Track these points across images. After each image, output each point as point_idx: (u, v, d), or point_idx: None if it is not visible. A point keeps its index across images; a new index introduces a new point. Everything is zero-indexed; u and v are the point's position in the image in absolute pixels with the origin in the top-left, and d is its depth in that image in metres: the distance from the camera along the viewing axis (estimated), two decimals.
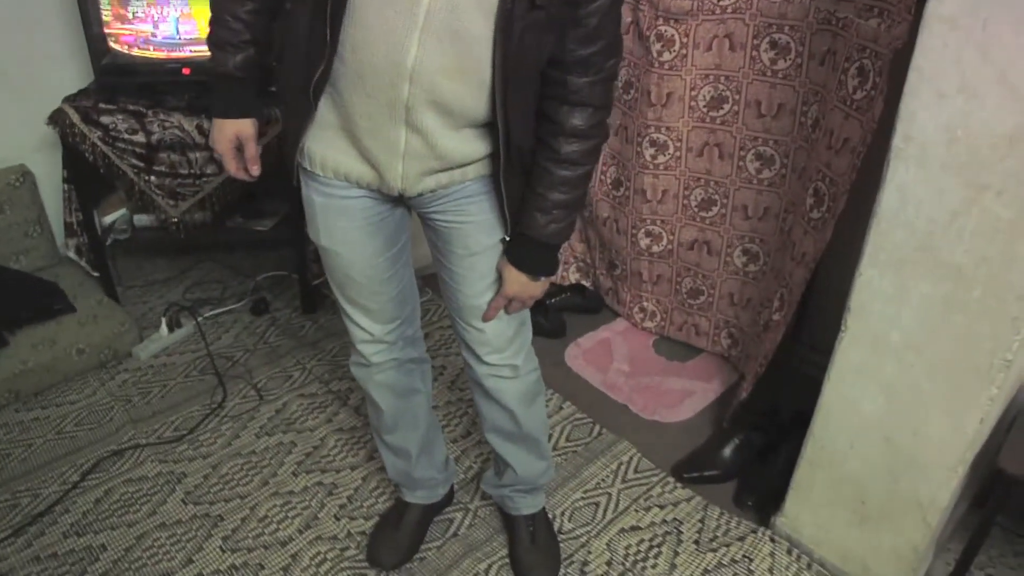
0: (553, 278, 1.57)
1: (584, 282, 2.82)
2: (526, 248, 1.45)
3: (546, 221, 1.41)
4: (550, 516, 1.98)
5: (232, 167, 1.50)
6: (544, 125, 1.36)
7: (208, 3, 1.42)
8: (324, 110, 1.35)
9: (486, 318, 1.53)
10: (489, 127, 1.35)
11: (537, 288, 1.50)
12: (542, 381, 1.73)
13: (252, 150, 1.49)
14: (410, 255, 1.62)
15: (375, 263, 1.52)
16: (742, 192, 2.21)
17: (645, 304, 2.61)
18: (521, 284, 1.47)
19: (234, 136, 1.47)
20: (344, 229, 1.48)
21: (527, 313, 1.61)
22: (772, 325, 2.12)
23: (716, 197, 2.27)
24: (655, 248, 2.46)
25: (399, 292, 1.59)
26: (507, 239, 1.47)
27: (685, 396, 2.39)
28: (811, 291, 2.09)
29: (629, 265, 2.56)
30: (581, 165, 1.38)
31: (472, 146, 1.37)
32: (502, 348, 1.58)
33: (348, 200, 1.44)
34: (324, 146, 1.39)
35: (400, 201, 1.47)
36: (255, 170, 1.51)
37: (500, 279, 1.50)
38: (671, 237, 2.41)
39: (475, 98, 1.29)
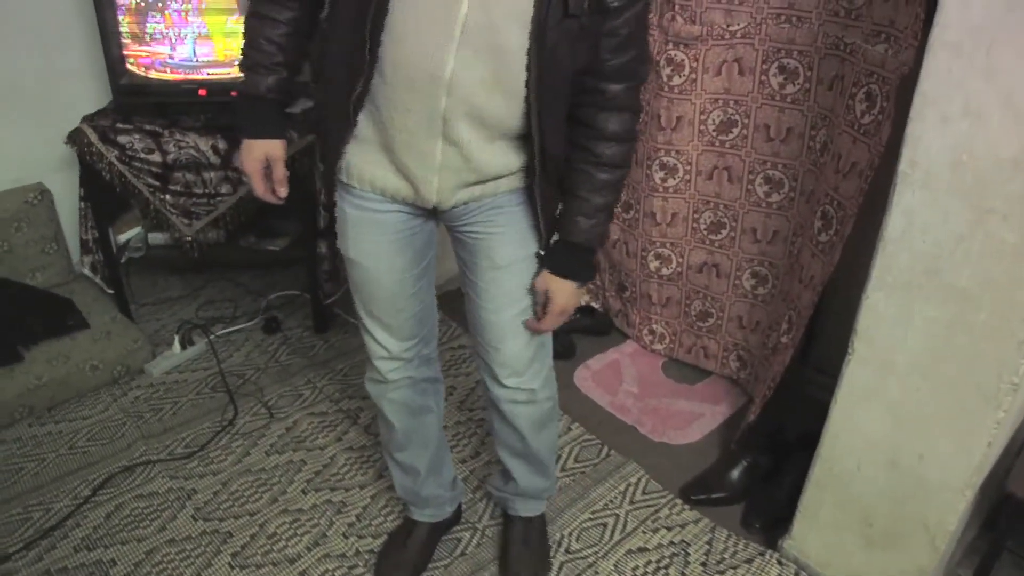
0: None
1: (594, 304, 2.84)
2: (572, 254, 1.47)
3: (589, 225, 1.44)
4: (558, 536, 1.99)
5: (260, 188, 1.52)
6: (581, 131, 1.40)
7: (243, 27, 1.45)
8: (362, 125, 1.38)
9: (531, 328, 1.54)
10: (523, 139, 1.38)
11: (579, 296, 1.53)
12: (558, 408, 1.75)
13: (280, 171, 1.51)
14: (434, 275, 1.64)
15: (401, 279, 1.54)
16: (751, 215, 2.23)
17: (654, 326, 2.62)
18: (568, 293, 1.49)
19: (263, 156, 1.49)
20: (375, 242, 1.50)
21: (548, 337, 1.63)
22: (780, 348, 2.12)
23: (725, 220, 2.28)
24: (664, 271, 2.47)
25: (420, 310, 1.61)
26: (542, 252, 1.49)
27: (693, 418, 2.39)
28: (820, 314, 2.09)
29: (639, 287, 2.57)
30: (620, 168, 1.42)
31: (507, 158, 1.40)
32: (520, 371, 1.60)
33: (381, 214, 1.47)
34: (362, 160, 1.42)
35: (432, 215, 1.49)
36: (283, 192, 1.53)
37: (534, 296, 1.52)
38: (680, 260, 2.42)
39: (510, 109, 1.32)
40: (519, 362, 1.59)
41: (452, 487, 1.95)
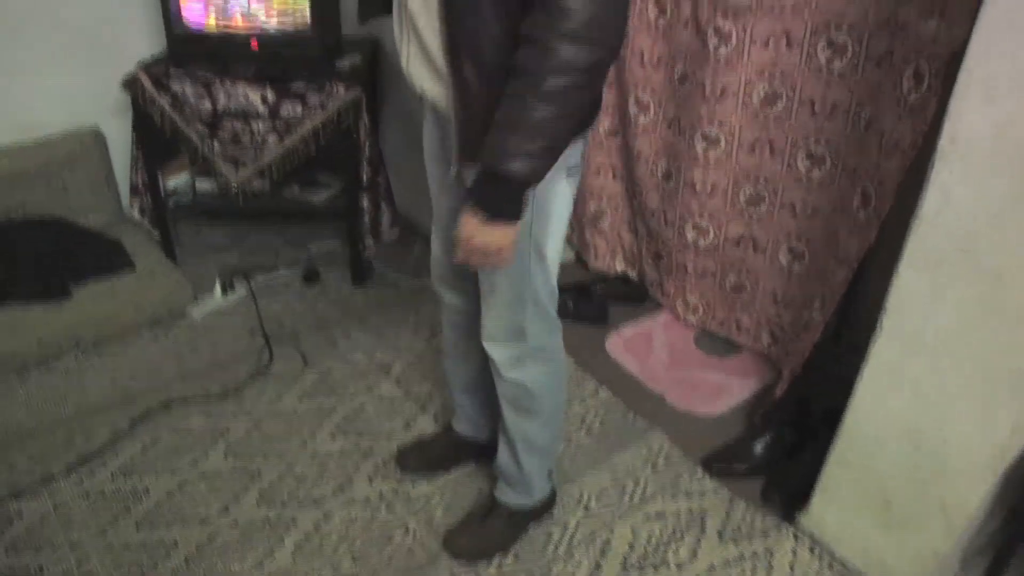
0: (513, 228, 1.33)
1: (630, 272, 2.84)
2: (478, 179, 1.31)
3: (491, 142, 1.26)
4: (577, 494, 2.03)
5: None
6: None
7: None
8: None
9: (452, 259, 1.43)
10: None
11: (488, 236, 1.32)
12: (538, 401, 1.71)
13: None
14: None
15: None
16: (791, 190, 2.21)
17: (689, 297, 2.62)
18: (469, 224, 1.32)
19: None
20: None
21: (526, 317, 1.57)
22: (812, 324, 2.12)
23: (765, 194, 2.27)
24: (701, 242, 2.46)
25: None
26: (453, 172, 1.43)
27: (722, 390, 2.40)
28: (854, 293, 2.08)
29: (675, 257, 2.57)
30: (529, 74, 1.20)
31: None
32: (491, 334, 1.62)
33: None
34: None
35: None
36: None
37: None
38: (718, 232, 2.42)
39: None
40: (487, 321, 1.59)
41: (485, 412, 1.98)
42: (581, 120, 1.39)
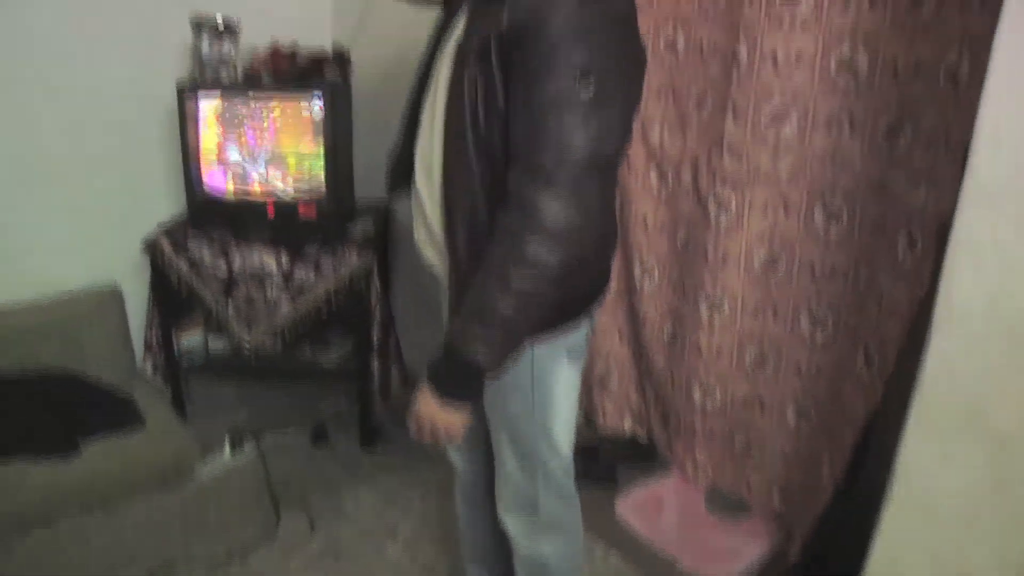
0: (464, 411, 1.33)
1: (639, 432, 2.84)
2: (436, 357, 1.32)
3: (454, 324, 1.29)
4: None
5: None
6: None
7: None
8: None
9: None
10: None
11: (438, 414, 1.32)
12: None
13: None
14: None
15: None
16: (796, 352, 2.24)
17: (698, 458, 2.61)
18: (420, 399, 1.34)
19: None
20: None
21: (535, 489, 1.56)
22: (822, 485, 2.10)
23: (770, 356, 2.30)
24: (709, 403, 2.48)
25: None
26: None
27: (735, 553, 2.35)
28: (864, 452, 2.08)
29: (683, 418, 2.58)
30: (497, 267, 1.23)
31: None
32: (501, 498, 1.62)
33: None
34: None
35: None
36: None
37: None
38: (725, 393, 2.43)
39: (434, 142, 1.36)
40: (501, 491, 1.59)
41: None
42: (584, 298, 1.45)
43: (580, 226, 1.21)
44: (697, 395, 2.49)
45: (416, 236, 1.51)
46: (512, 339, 1.28)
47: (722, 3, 2.14)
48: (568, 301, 1.39)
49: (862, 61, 1.94)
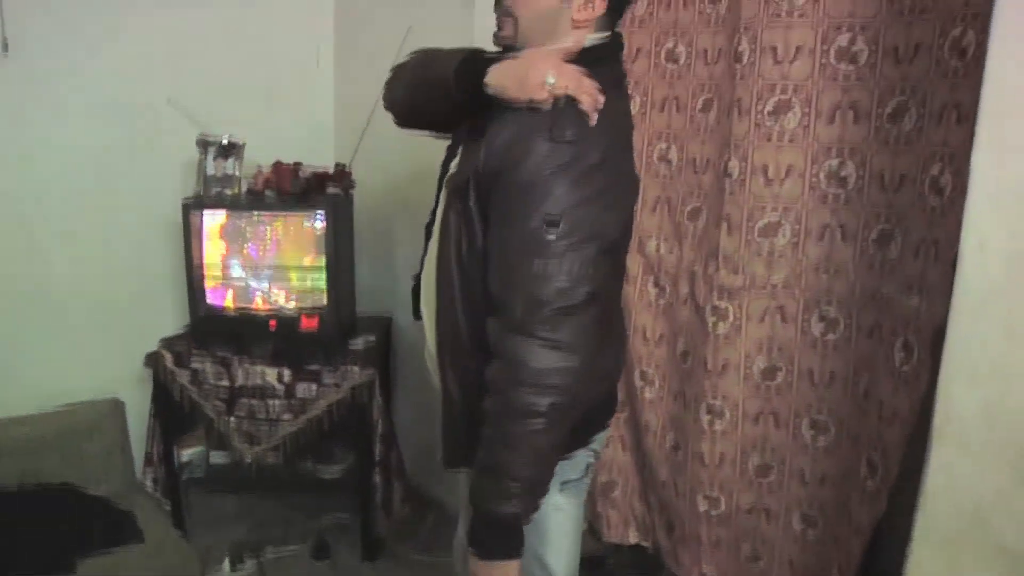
0: (512, 563, 1.32)
1: (644, 542, 2.79)
2: (472, 522, 1.33)
3: (473, 486, 1.31)
4: None
5: None
6: None
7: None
8: None
9: None
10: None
11: (489, 574, 1.31)
12: None
13: None
14: None
15: None
16: (798, 459, 2.23)
17: (704, 568, 2.56)
18: (471, 565, 1.33)
19: None
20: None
21: None
22: None
23: (773, 463, 2.29)
24: (713, 512, 2.45)
25: None
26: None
27: None
28: (873, 560, 2.04)
29: (688, 528, 2.54)
30: (493, 422, 1.25)
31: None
32: None
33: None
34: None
35: None
36: None
37: None
38: (729, 502, 2.41)
39: (428, 281, 1.39)
40: None
41: None
42: (576, 431, 1.41)
43: (563, 367, 1.22)
44: (702, 504, 2.46)
45: (425, 357, 1.54)
46: (529, 485, 1.29)
47: (712, 120, 2.22)
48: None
49: (850, 172, 2.01)
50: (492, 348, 1.26)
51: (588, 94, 1.25)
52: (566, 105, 1.25)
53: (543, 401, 1.21)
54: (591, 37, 1.37)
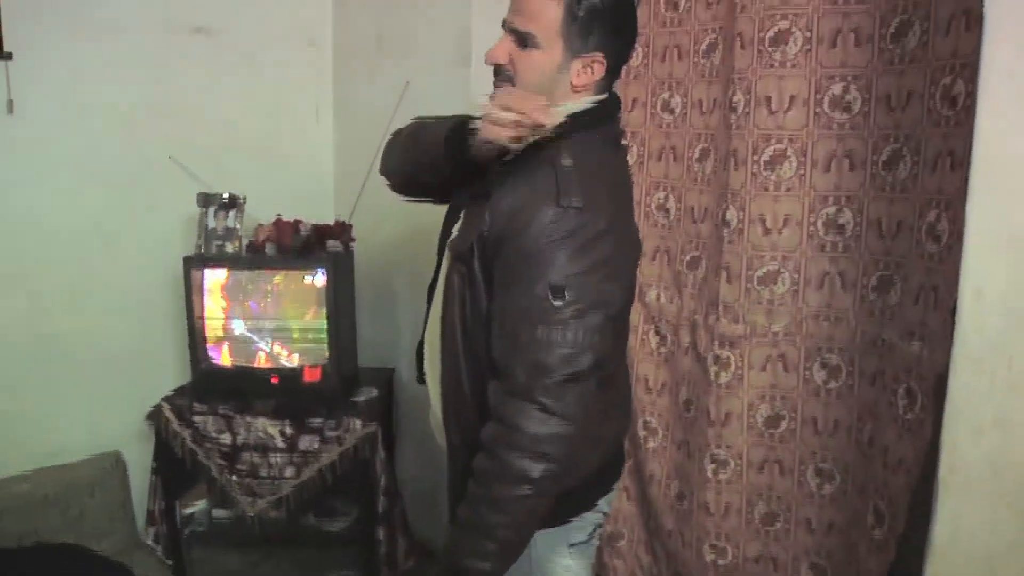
0: None
1: None
2: (440, 568, 1.33)
3: (449, 537, 1.31)
4: None
5: None
6: None
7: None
8: None
9: None
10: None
11: None
12: None
13: None
14: None
15: None
16: (805, 507, 2.22)
17: None
18: None
19: None
20: None
21: None
22: None
23: (779, 512, 2.27)
24: (720, 562, 2.42)
25: None
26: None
27: None
28: None
29: None
30: (482, 482, 1.25)
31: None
32: None
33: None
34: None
35: None
36: None
37: None
38: (736, 552, 2.38)
39: (432, 346, 1.39)
40: None
41: None
42: (584, 494, 1.44)
43: (560, 436, 1.22)
44: (708, 554, 2.43)
45: (431, 419, 1.53)
46: (511, 548, 1.29)
47: (709, 170, 2.24)
48: (564, 497, 1.37)
49: (847, 220, 2.02)
50: (491, 411, 1.26)
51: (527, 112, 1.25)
52: (572, 170, 1.26)
53: (536, 468, 1.21)
54: (589, 99, 1.39)
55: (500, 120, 1.24)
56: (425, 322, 1.51)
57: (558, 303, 1.20)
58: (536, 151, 1.29)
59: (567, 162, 1.26)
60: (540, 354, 1.21)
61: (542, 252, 1.21)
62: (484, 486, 1.25)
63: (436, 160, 1.38)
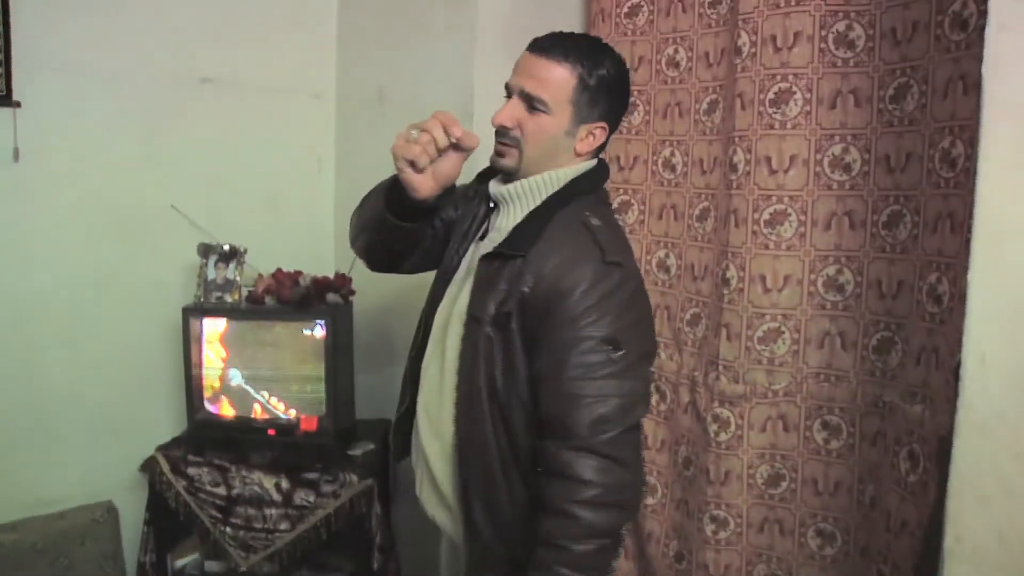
0: None
1: None
2: None
3: None
4: None
5: None
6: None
7: None
8: None
9: None
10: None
11: None
12: None
13: None
14: None
15: None
16: (806, 568, 2.18)
17: None
18: None
19: None
20: None
21: None
22: None
23: (779, 573, 2.24)
24: None
25: None
26: None
27: None
28: None
29: None
30: (559, 545, 1.24)
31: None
32: None
33: None
34: None
35: None
36: None
37: None
38: None
39: (444, 408, 1.40)
40: None
41: None
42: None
43: (622, 484, 1.26)
44: None
45: (420, 495, 1.51)
46: None
47: (709, 228, 2.25)
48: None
49: (847, 279, 2.03)
50: (547, 470, 1.26)
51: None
52: (604, 228, 1.33)
53: (611, 519, 1.26)
54: (588, 163, 1.45)
55: (407, 136, 1.33)
56: (408, 394, 1.50)
57: (614, 356, 1.25)
58: (549, 212, 1.34)
59: (596, 221, 1.32)
60: (600, 407, 1.25)
61: (593, 309, 1.25)
62: (562, 548, 1.24)
63: (380, 213, 1.44)
